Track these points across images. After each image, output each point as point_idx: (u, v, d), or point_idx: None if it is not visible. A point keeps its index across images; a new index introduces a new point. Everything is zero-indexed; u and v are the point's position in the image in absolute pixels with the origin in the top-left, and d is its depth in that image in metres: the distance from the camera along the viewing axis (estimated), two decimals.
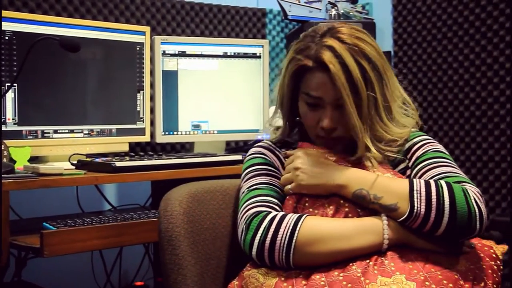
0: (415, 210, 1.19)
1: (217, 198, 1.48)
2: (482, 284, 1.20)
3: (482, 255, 1.26)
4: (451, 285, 1.15)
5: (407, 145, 1.39)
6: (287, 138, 1.47)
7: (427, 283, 1.14)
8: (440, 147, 1.38)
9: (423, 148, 1.37)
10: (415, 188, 1.21)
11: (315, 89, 1.32)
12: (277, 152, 1.43)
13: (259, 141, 1.51)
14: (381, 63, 1.32)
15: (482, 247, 1.28)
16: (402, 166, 1.38)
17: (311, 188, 1.29)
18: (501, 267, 1.26)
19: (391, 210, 1.22)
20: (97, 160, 1.95)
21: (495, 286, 1.22)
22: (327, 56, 1.28)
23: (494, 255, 1.27)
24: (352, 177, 1.26)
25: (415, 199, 1.20)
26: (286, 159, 1.40)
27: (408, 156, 1.38)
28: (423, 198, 1.19)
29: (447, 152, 1.37)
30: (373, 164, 1.32)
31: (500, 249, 1.29)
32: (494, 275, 1.23)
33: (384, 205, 1.22)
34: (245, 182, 1.37)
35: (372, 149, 1.30)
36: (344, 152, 1.36)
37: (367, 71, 1.29)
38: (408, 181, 1.24)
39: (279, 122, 1.49)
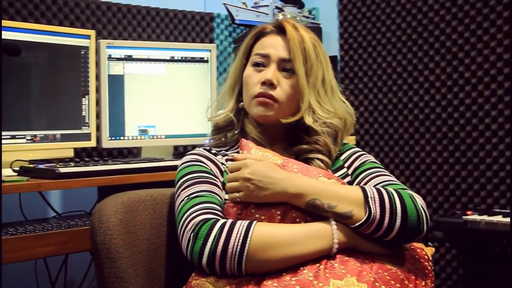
0: (372, 217, 1.22)
1: (148, 208, 1.44)
2: (423, 283, 1.25)
3: (417, 256, 1.30)
4: (398, 285, 1.19)
5: (345, 155, 1.46)
6: (233, 130, 1.49)
7: (377, 283, 1.17)
8: (374, 159, 1.47)
9: (360, 159, 1.44)
10: (369, 195, 1.24)
11: (265, 47, 1.42)
12: (213, 159, 1.41)
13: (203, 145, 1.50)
14: (326, 56, 1.45)
15: (416, 249, 1.33)
16: (341, 172, 1.43)
17: (262, 198, 1.26)
18: (433, 267, 1.32)
19: (346, 217, 1.23)
20: (40, 166, 1.91)
21: (433, 285, 1.27)
22: (285, 22, 1.42)
23: (426, 256, 1.32)
24: (304, 187, 1.25)
25: (372, 206, 1.22)
26: (228, 164, 1.38)
27: (346, 165, 1.44)
28: (377, 204, 1.22)
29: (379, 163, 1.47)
30: (318, 164, 1.38)
31: (429, 251, 1.35)
32: (430, 274, 1.29)
33: (338, 213, 1.24)
34: (183, 190, 1.32)
35: (315, 106, 1.38)
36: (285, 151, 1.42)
37: (317, 49, 1.41)
38: (359, 188, 1.27)
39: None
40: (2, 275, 2.19)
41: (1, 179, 1.51)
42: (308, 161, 1.40)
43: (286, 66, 1.40)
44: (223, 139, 1.49)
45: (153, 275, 1.40)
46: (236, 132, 1.49)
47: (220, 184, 1.35)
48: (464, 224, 2.29)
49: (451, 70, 2.71)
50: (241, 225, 1.20)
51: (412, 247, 1.32)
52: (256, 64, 1.42)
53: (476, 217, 2.30)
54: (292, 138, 1.45)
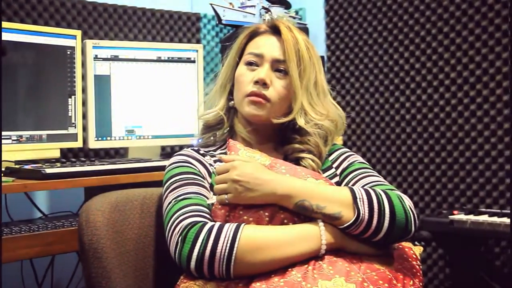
0: (361, 218, 1.22)
1: (135, 207, 1.43)
2: (411, 282, 1.25)
3: (405, 255, 1.31)
4: (386, 284, 1.19)
5: (333, 155, 1.46)
6: (221, 128, 1.48)
7: (365, 284, 1.17)
8: (362, 159, 1.47)
9: (348, 159, 1.45)
10: (357, 196, 1.24)
11: (259, 47, 1.43)
12: (201, 160, 1.40)
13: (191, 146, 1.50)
14: (319, 58, 1.45)
15: (403, 248, 1.34)
16: (329, 172, 1.43)
17: (250, 200, 1.25)
18: (421, 266, 1.32)
19: (335, 218, 1.23)
20: (26, 167, 1.89)
21: (421, 284, 1.28)
22: (280, 23, 1.43)
23: (414, 256, 1.33)
24: (292, 188, 1.25)
25: (360, 207, 1.22)
26: (216, 165, 1.38)
27: (335, 165, 1.44)
28: (366, 205, 1.23)
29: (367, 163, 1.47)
30: (308, 165, 1.38)
31: (417, 250, 1.36)
32: (418, 273, 1.29)
33: (327, 214, 1.24)
34: (170, 192, 1.31)
35: (307, 108, 1.38)
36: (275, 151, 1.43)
37: (310, 51, 1.42)
38: (348, 189, 1.27)
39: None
40: None
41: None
42: (298, 160, 1.40)
43: (279, 67, 1.40)
44: (212, 138, 1.49)
45: (141, 275, 1.39)
46: (225, 131, 1.49)
47: (208, 186, 1.35)
48: (451, 224, 2.31)
49: (437, 70, 2.73)
50: (229, 228, 1.20)
51: (400, 246, 1.33)
52: (249, 63, 1.42)
53: (462, 216, 2.31)
54: (281, 139, 1.45)
